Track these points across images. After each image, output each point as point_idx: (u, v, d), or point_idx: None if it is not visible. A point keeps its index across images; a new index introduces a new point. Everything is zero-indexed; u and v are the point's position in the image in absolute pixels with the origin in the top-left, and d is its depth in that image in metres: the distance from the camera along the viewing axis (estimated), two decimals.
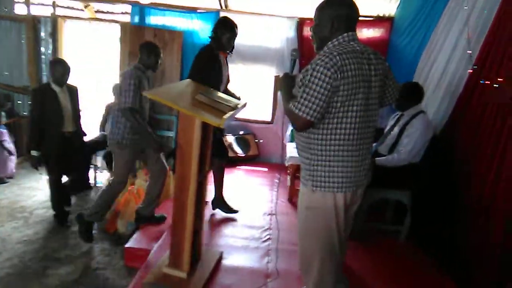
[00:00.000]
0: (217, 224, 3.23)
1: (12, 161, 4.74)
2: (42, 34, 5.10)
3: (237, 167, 4.93)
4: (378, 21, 4.64)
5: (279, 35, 4.88)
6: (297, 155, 1.81)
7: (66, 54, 5.16)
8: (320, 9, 1.69)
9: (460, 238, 2.67)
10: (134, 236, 3.08)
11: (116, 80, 4.74)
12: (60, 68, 3.41)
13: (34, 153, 3.41)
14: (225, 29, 2.95)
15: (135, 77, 2.87)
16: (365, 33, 4.62)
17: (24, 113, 5.40)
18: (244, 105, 2.30)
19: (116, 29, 4.93)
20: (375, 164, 2.89)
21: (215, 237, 2.96)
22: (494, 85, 2.39)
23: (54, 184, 3.62)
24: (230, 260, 2.63)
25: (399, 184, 2.93)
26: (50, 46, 5.10)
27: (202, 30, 4.85)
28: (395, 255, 2.86)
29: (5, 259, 3.03)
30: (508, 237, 2.23)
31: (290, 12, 4.77)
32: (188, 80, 2.42)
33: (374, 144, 3.18)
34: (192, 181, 2.11)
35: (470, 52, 2.75)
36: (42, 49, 5.15)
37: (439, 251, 2.87)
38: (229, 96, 2.38)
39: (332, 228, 1.71)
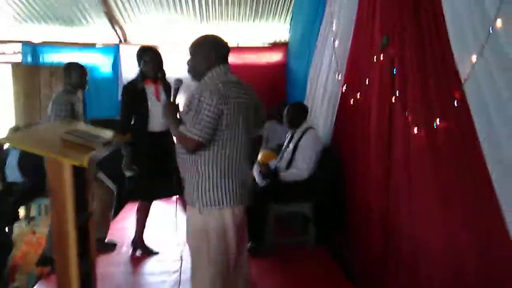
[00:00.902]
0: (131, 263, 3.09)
1: None
2: None
3: None
4: (275, 46, 4.93)
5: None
6: None
7: None
8: (196, 44, 1.83)
9: (352, 242, 2.87)
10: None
11: (11, 122, 4.44)
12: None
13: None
14: (141, 56, 2.89)
15: (66, 102, 2.81)
16: (265, 58, 4.86)
17: None
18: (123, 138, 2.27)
19: (9, 70, 4.65)
20: (278, 181, 3.03)
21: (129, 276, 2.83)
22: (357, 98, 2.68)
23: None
24: None
25: (300, 197, 3.09)
26: None
27: (103, 65, 4.76)
28: (304, 264, 2.96)
29: None
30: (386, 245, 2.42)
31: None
32: (58, 121, 2.35)
33: (273, 162, 3.35)
34: (70, 225, 2.00)
35: (339, 78, 3.06)
36: None
37: (343, 257, 3.04)
38: (100, 130, 2.31)
39: (222, 248, 1.74)
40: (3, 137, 1.68)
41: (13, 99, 4.60)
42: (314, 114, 3.59)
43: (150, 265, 3.02)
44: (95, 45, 4.81)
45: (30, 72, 4.53)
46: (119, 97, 4.54)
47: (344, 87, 3.00)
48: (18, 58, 4.82)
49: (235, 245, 1.77)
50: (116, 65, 4.72)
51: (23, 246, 3.25)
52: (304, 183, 3.05)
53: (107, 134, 2.36)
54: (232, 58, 1.87)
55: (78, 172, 2.02)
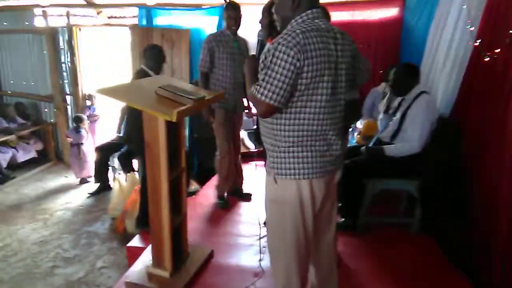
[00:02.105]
0: (211, 219, 3.17)
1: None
2: (61, 44, 5.33)
3: (249, 162, 4.84)
4: (390, 0, 4.32)
5: None
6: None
7: (83, 60, 5.36)
8: None
9: (470, 232, 2.41)
10: (137, 235, 3.11)
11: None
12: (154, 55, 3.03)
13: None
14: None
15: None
16: (377, 14, 4.31)
17: (50, 120, 5.69)
18: (217, 96, 2.21)
19: (127, 33, 5.03)
20: (377, 153, 2.69)
21: (207, 234, 2.90)
22: (494, 56, 2.10)
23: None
24: (221, 258, 2.56)
25: (405, 173, 2.71)
26: (68, 55, 5.32)
27: (208, 26, 4.80)
28: (404, 251, 2.64)
29: (19, 259, 3.19)
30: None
31: None
32: (157, 76, 2.38)
33: (377, 134, 2.99)
34: (163, 179, 2.06)
35: (472, 29, 2.46)
36: (62, 58, 5.38)
37: (453, 246, 2.61)
38: (197, 88, 2.30)
39: (297, 223, 1.58)
40: (99, 88, 1.71)
41: (131, 60, 4.98)
42: (433, 78, 3.06)
43: (236, 227, 3.04)
44: (201, 7, 4.86)
45: (144, 34, 4.82)
46: None
47: (477, 43, 2.41)
48: (136, 21, 5.18)
49: (311, 218, 1.58)
50: (220, 26, 4.72)
51: (132, 194, 3.55)
52: (411, 157, 2.65)
53: (202, 92, 2.33)
54: (341, 15, 1.59)
55: (172, 128, 2.05)
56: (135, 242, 2.98)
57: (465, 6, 2.56)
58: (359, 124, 3.90)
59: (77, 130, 4.91)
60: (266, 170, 1.66)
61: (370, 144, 2.85)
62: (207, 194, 3.62)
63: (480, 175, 2.40)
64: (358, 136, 3.82)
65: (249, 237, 2.82)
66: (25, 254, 3.27)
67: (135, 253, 2.89)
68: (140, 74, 2.88)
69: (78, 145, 4.89)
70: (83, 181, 4.98)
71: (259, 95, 1.45)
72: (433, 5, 3.19)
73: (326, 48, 1.44)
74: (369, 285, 2.29)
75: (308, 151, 1.52)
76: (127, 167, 4.38)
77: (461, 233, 2.54)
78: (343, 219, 2.80)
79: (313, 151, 1.52)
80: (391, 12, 4.14)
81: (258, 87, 1.45)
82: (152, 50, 3.02)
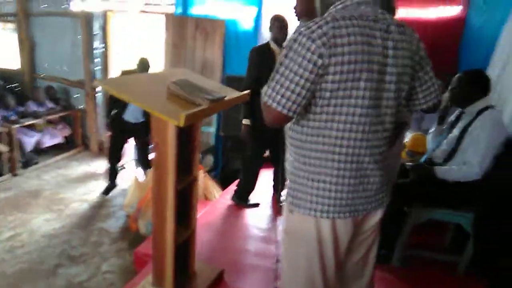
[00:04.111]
0: (226, 232, 2.84)
1: None
2: (95, 29, 5.21)
3: None
4: None
5: None
6: None
7: (115, 47, 5.21)
8: None
9: None
10: (148, 239, 2.86)
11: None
12: (278, 24, 2.86)
13: (246, 121, 2.93)
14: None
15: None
16: (437, 12, 3.77)
17: (80, 106, 5.61)
18: (239, 98, 1.87)
19: (161, 21, 4.82)
20: (429, 176, 2.25)
21: (219, 250, 2.58)
22: None
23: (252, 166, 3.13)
24: (232, 280, 2.23)
25: (458, 202, 2.25)
26: (102, 41, 5.19)
27: (245, 18, 4.48)
28: None
29: (25, 252, 3.03)
30: None
31: None
32: (177, 69, 2.06)
33: (427, 150, 2.54)
34: (170, 186, 1.76)
35: None
36: (95, 43, 5.26)
37: None
38: (220, 86, 1.97)
39: (313, 266, 1.23)
40: (100, 79, 1.41)
41: (164, 48, 4.77)
42: (501, 90, 2.56)
43: (253, 244, 2.70)
44: None
45: (179, 23, 4.59)
46: None
47: None
48: (172, 9, 4.96)
49: (333, 264, 1.23)
50: (258, 18, 4.39)
51: (148, 192, 3.31)
52: (468, 184, 2.19)
53: (225, 91, 2.00)
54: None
55: (185, 129, 1.74)
56: (144, 247, 2.72)
57: None
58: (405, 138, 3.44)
59: None
60: (285, 196, 1.31)
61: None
62: (227, 201, 3.31)
63: None
64: (403, 151, 3.36)
65: (268, 258, 2.47)
66: (33, 247, 3.10)
67: (142, 260, 2.64)
68: (262, 49, 2.91)
69: None
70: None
71: (268, 99, 1.10)
72: (509, 4, 2.68)
73: (367, 43, 1.05)
74: None
75: (333, 183, 1.15)
76: (145, 163, 4.16)
77: None
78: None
79: (339, 183, 1.15)
80: (452, 10, 3.61)
81: (268, 88, 1.10)
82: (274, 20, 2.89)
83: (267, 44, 2.92)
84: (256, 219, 3.05)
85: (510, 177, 2.23)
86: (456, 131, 2.29)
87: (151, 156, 4.06)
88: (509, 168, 2.20)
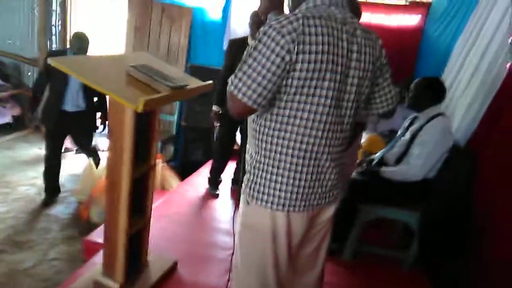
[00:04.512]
0: (183, 223, 2.82)
1: None
2: (54, 4, 4.92)
3: None
4: (414, 6, 3.95)
5: None
6: None
7: (74, 27, 4.95)
8: None
9: (469, 275, 2.10)
10: (99, 228, 2.76)
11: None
12: (257, 20, 2.83)
13: (216, 108, 3.05)
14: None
15: None
16: (398, 20, 3.94)
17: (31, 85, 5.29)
18: (202, 87, 1.85)
19: (125, 2, 4.63)
20: (378, 176, 2.36)
21: (175, 241, 2.55)
22: None
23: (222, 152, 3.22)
24: (185, 271, 2.22)
25: (405, 202, 2.38)
26: (60, 18, 4.92)
27: (213, 7, 4.42)
28: (393, 285, 2.33)
29: None
30: None
31: None
32: (137, 53, 2.00)
33: (380, 151, 2.65)
34: (125, 174, 1.71)
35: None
36: (53, 20, 4.97)
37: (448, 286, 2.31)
38: (183, 75, 1.94)
39: (266, 258, 1.25)
40: (55, 58, 1.34)
41: (126, 31, 4.60)
42: (451, 97, 2.72)
43: (209, 235, 2.71)
44: None
45: (144, 6, 4.44)
46: (225, 46, 4.27)
47: None
48: None
49: (286, 256, 1.26)
50: (226, 9, 4.34)
51: (102, 181, 3.20)
52: (415, 185, 2.32)
53: (188, 80, 1.97)
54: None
55: (143, 116, 1.70)
56: (95, 235, 2.63)
57: (508, 16, 2.20)
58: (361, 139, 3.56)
59: None
60: (242, 189, 1.32)
61: (373, 164, 2.52)
62: (185, 191, 3.28)
63: (493, 218, 2.08)
64: (359, 151, 3.48)
65: (223, 249, 2.48)
66: None
67: (92, 248, 2.55)
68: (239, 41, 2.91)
69: None
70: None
71: (234, 89, 1.10)
72: (464, 17, 2.85)
73: (334, 44, 1.08)
74: None
75: (290, 177, 1.17)
76: (90, 150, 3.64)
77: (460, 274, 2.24)
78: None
79: (297, 178, 1.17)
80: (412, 19, 3.77)
81: (235, 79, 1.10)
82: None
83: (245, 38, 2.95)
84: (214, 210, 3.05)
85: (454, 181, 2.38)
86: (408, 135, 2.41)
87: (98, 142, 3.92)
88: (453, 172, 2.35)
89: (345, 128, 1.21)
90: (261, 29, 1.09)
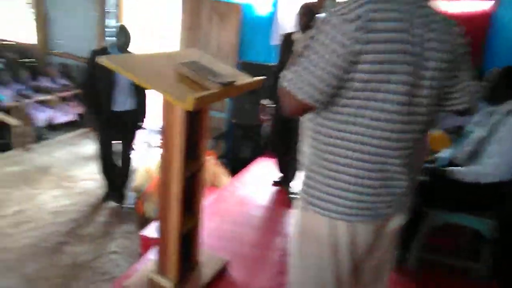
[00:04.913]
0: (235, 221, 2.78)
1: None
2: (109, 6, 5.13)
3: None
4: None
5: None
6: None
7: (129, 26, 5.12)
8: None
9: None
10: (154, 223, 2.82)
11: None
12: (302, 11, 2.77)
13: (265, 101, 3.15)
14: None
15: None
16: (465, 6, 3.57)
17: None
18: (252, 83, 1.77)
19: (178, 1, 4.70)
20: (447, 177, 2.14)
21: (227, 239, 2.52)
22: None
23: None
24: (237, 272, 2.18)
25: (477, 207, 2.14)
26: (115, 19, 5.11)
27: (261, 4, 4.34)
28: None
29: (30, 228, 3.02)
30: None
31: None
32: (188, 49, 1.97)
33: (446, 151, 2.41)
34: (176, 174, 1.69)
35: None
36: (107, 21, 5.18)
37: None
38: (233, 71, 1.87)
39: (325, 271, 1.15)
40: (104, 58, 1.33)
41: (180, 31, 4.67)
42: None
43: (262, 235, 2.64)
44: None
45: (194, 4, 4.47)
46: (273, 42, 4.19)
47: None
48: None
49: (348, 270, 1.14)
50: (275, 4, 4.24)
51: (157, 176, 3.26)
52: (489, 187, 2.07)
53: (237, 76, 1.90)
54: None
55: (194, 114, 1.67)
56: (150, 231, 2.68)
57: None
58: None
59: None
60: (299, 193, 1.22)
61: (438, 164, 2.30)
62: (235, 189, 3.25)
63: None
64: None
65: (275, 251, 2.41)
66: (39, 223, 3.10)
67: (148, 243, 2.61)
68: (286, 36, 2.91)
69: None
70: None
71: (288, 84, 1.00)
72: None
73: (406, 31, 0.94)
74: None
75: (354, 183, 1.04)
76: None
77: None
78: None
79: (362, 184, 1.05)
80: (483, 5, 3.41)
81: (290, 73, 1.00)
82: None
83: (292, 33, 2.89)
84: (264, 209, 2.99)
85: None
86: (482, 131, 2.16)
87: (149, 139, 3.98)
88: None
89: (418, 128, 1.06)
90: (320, 17, 0.98)
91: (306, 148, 1.17)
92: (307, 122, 1.14)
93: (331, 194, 1.07)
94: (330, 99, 1.01)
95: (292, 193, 2.93)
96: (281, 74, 1.05)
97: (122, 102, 3.16)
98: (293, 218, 1.26)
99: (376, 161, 1.03)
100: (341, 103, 1.01)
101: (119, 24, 3.21)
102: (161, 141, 1.69)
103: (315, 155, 1.10)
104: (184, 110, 1.53)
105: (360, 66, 0.94)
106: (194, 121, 1.71)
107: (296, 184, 2.96)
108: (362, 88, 0.97)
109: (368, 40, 0.92)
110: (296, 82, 0.98)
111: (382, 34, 0.92)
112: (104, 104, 3.10)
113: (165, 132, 1.66)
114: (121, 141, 3.40)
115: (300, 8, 2.78)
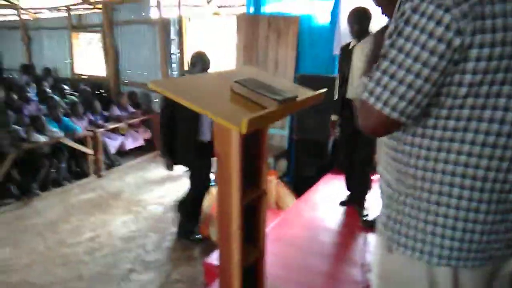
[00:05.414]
0: (303, 248, 2.55)
1: None
2: (172, 34, 5.32)
3: None
4: None
5: None
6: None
7: (190, 51, 5.26)
8: None
9: None
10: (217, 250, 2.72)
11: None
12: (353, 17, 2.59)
13: (334, 117, 2.79)
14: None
15: None
16: None
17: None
18: (313, 97, 1.59)
19: (233, 23, 4.72)
20: None
21: (293, 269, 2.30)
22: None
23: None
24: None
25: None
26: (178, 45, 5.29)
27: (320, 13, 4.16)
28: None
29: (103, 254, 3.10)
30: None
31: None
32: (243, 67, 1.84)
33: None
34: (235, 202, 1.55)
35: None
36: (172, 48, 5.37)
37: None
38: (292, 85, 1.71)
39: None
40: (152, 81, 1.24)
41: (236, 51, 4.67)
42: None
43: (335, 266, 2.38)
44: None
45: (250, 22, 4.45)
46: (334, 52, 3.97)
47: None
48: (244, 10, 4.85)
49: None
50: (335, 13, 4.04)
51: None
52: None
53: (297, 90, 1.73)
54: None
55: (250, 136, 1.53)
56: (214, 258, 2.58)
57: None
58: None
59: None
60: (378, 228, 1.00)
61: None
62: (301, 211, 3.04)
63: None
64: None
65: (348, 284, 2.15)
66: (110, 249, 3.17)
67: (212, 271, 2.50)
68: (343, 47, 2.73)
69: None
70: None
71: (369, 96, 0.79)
72: None
73: None
74: None
75: (459, 218, 0.81)
76: None
77: None
78: None
79: (471, 220, 0.81)
80: None
81: (370, 82, 0.79)
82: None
83: (349, 43, 2.69)
84: (336, 234, 2.73)
85: None
86: None
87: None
88: None
89: None
90: (409, 4, 0.76)
91: (385, 172, 0.96)
92: (387, 141, 0.93)
93: (428, 232, 0.84)
94: (423, 111, 0.79)
95: (365, 216, 2.64)
96: (360, 84, 0.85)
97: (210, 130, 2.89)
98: (373, 257, 1.04)
99: (491, 189, 0.79)
100: (440, 115, 0.79)
101: (197, 51, 3.03)
102: (217, 167, 1.57)
103: (399, 181, 0.88)
104: (239, 133, 1.40)
105: (466, 65, 0.73)
106: (252, 143, 1.57)
107: (370, 206, 2.67)
108: (470, 94, 0.75)
109: (478, 30, 0.71)
110: (378, 93, 0.78)
111: (496, 20, 0.70)
112: (191, 136, 2.88)
113: (219, 158, 1.54)
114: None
115: (349, 16, 2.57)
